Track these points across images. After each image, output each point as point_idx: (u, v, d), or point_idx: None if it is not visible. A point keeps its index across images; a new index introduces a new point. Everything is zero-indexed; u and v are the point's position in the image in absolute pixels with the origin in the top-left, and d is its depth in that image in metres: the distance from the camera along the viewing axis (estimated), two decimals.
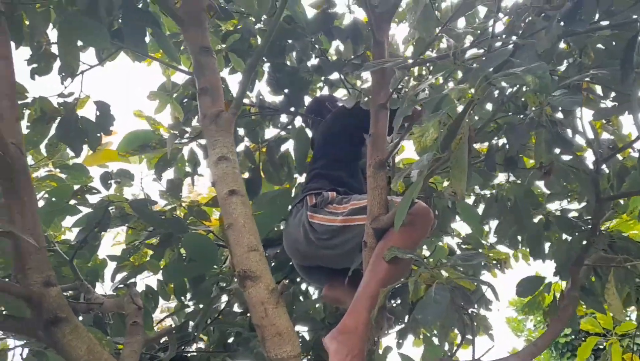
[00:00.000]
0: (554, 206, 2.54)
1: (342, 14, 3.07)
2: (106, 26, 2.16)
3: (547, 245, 2.48)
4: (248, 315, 2.72)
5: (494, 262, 3.31)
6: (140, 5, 2.37)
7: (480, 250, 3.05)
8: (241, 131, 3.04)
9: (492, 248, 3.24)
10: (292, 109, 3.02)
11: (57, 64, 2.24)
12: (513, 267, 3.35)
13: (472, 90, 1.46)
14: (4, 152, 1.50)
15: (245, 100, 2.99)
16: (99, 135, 2.26)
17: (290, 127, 3.15)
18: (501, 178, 2.68)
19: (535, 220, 2.43)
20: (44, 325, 1.58)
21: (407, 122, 2.34)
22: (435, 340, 2.87)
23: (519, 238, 2.51)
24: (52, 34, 2.25)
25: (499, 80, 1.46)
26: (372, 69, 1.83)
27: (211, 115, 1.95)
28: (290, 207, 2.43)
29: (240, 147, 2.98)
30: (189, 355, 2.55)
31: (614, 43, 1.79)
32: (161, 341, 2.47)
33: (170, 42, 2.77)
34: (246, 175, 2.94)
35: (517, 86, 1.78)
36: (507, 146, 2.24)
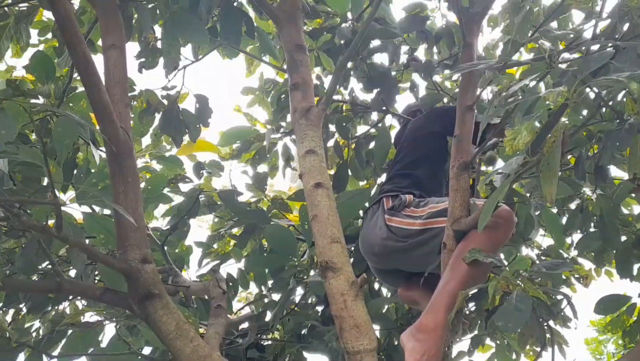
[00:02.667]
0: None
1: (433, 17, 3.08)
2: (205, 24, 2.30)
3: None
4: (320, 308, 2.77)
5: (576, 276, 3.17)
6: (236, 4, 2.49)
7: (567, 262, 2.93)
8: (332, 127, 3.10)
9: (574, 263, 3.11)
10: (383, 108, 3.04)
11: (162, 59, 2.40)
12: (595, 283, 3.20)
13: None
14: (114, 135, 1.63)
15: (338, 97, 3.05)
16: (198, 126, 2.39)
17: (380, 125, 3.17)
18: (587, 190, 2.58)
19: (623, 237, 2.32)
20: (138, 300, 1.69)
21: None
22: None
23: (606, 256, 2.40)
24: (158, 31, 2.42)
25: (598, 84, 1.42)
26: (464, 71, 1.83)
27: (302, 109, 2.02)
28: (366, 209, 2.44)
29: (331, 143, 3.05)
30: (264, 343, 2.63)
31: None
32: (239, 328, 2.56)
33: (267, 37, 2.90)
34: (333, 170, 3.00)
35: (615, 91, 1.72)
36: (597, 156, 2.15)
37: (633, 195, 2.31)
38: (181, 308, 2.03)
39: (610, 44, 1.63)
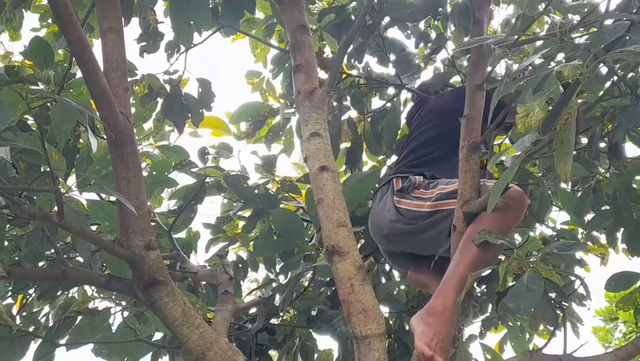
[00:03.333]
0: None
1: None
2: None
3: None
4: (329, 292, 2.76)
5: (593, 254, 3.12)
6: None
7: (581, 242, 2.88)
8: (347, 102, 3.07)
9: (590, 240, 3.06)
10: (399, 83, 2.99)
11: (163, 42, 2.36)
12: (610, 263, 3.15)
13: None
14: (114, 120, 1.60)
15: (354, 71, 3.01)
16: (201, 111, 2.36)
17: (395, 99, 3.12)
18: (600, 169, 2.52)
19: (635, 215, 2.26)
20: (143, 287, 1.68)
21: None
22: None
23: (618, 234, 2.35)
24: (159, 13, 2.38)
25: (612, 57, 1.36)
26: (472, 45, 1.77)
27: (305, 91, 1.98)
28: (376, 190, 2.41)
29: (345, 117, 3.02)
30: (274, 326, 2.63)
31: None
32: (249, 312, 2.56)
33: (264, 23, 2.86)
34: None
35: (630, 66, 1.65)
36: (611, 134, 2.09)
37: None
38: (189, 294, 2.03)
39: (625, 18, 1.57)
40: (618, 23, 1.49)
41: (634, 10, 1.70)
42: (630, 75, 1.79)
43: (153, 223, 2.39)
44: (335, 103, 2.94)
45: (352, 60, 2.90)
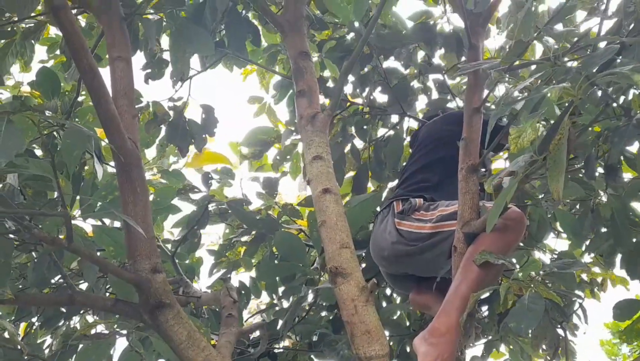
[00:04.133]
0: None
1: (441, 25, 3.08)
2: (211, 35, 2.32)
3: None
4: (331, 316, 2.76)
5: (592, 279, 3.14)
6: (242, 13, 2.51)
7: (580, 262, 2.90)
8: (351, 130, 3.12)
9: (588, 268, 3.08)
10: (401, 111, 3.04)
11: (168, 69, 2.42)
12: (610, 289, 3.16)
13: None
14: (122, 146, 1.64)
15: (358, 100, 3.08)
16: (204, 136, 2.41)
17: (398, 127, 3.18)
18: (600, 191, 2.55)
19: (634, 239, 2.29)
20: (149, 310, 1.70)
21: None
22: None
23: (616, 257, 2.37)
24: (164, 42, 2.44)
25: (603, 80, 1.41)
26: (467, 70, 1.83)
27: (307, 116, 2.03)
28: (377, 213, 2.43)
29: (349, 146, 3.07)
30: (276, 351, 2.62)
31: None
32: (251, 337, 2.56)
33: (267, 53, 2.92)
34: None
35: (622, 88, 1.70)
36: (607, 155, 2.13)
37: None
38: (194, 319, 2.03)
39: (616, 41, 1.62)
40: (609, 46, 1.55)
41: (625, 34, 1.76)
42: (622, 97, 1.85)
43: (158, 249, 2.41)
44: (339, 131, 3.00)
45: (356, 90, 2.96)
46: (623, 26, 1.77)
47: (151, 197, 2.49)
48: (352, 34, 2.92)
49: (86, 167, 2.33)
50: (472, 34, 2.26)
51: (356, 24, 2.78)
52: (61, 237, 1.75)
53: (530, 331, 2.73)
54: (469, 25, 2.26)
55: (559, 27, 2.64)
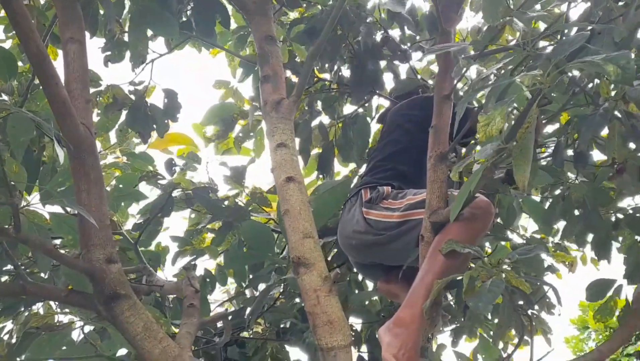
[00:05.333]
0: (625, 202, 2.38)
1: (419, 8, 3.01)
2: (176, 16, 2.24)
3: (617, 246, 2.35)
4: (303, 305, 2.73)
5: (562, 261, 3.15)
6: None
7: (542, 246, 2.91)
8: (319, 106, 3.05)
9: (559, 249, 3.09)
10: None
11: (129, 52, 2.33)
12: (581, 271, 3.18)
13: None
14: (74, 131, 1.57)
15: (326, 75, 3.00)
16: (166, 121, 2.33)
17: (367, 105, 3.11)
18: (570, 176, 2.55)
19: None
20: (104, 301, 1.65)
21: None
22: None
23: (588, 239, 2.38)
24: (125, 23, 2.35)
25: (573, 68, 1.38)
26: (434, 52, 1.79)
27: (272, 102, 1.97)
28: (345, 200, 2.39)
29: (316, 122, 3.00)
30: (244, 340, 2.59)
31: None
32: (218, 326, 2.52)
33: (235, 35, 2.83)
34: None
35: (591, 75, 1.68)
36: (576, 142, 2.13)
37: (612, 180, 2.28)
38: (152, 309, 1.99)
39: (586, 27, 1.59)
40: (578, 34, 1.52)
41: (596, 20, 1.73)
42: (591, 85, 1.83)
43: (119, 237, 2.34)
44: (306, 108, 2.92)
45: (325, 65, 2.88)
46: (593, 13, 1.74)
47: (113, 183, 2.43)
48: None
49: (45, 153, 2.24)
50: (445, 19, 2.21)
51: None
52: None
53: (496, 320, 2.76)
54: (441, 10, 2.21)
55: (538, 7, 2.62)
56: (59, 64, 1.83)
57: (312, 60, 2.02)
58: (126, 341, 1.67)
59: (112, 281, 1.62)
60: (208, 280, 2.56)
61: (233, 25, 2.99)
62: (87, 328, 2.04)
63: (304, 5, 2.91)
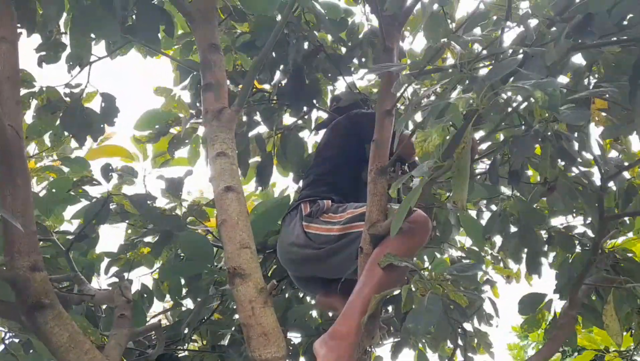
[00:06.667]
0: (558, 220, 2.49)
1: (361, 24, 3.06)
2: (119, 20, 2.19)
3: (550, 261, 2.45)
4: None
5: (500, 275, 3.25)
6: (155, 2, 2.39)
7: (479, 263, 3.00)
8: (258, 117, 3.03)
9: (497, 263, 3.19)
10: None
11: (65, 53, 2.26)
12: (518, 286, 3.29)
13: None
14: (1, 134, 1.50)
15: (266, 86, 2.99)
16: (102, 126, 2.27)
17: (306, 116, 3.11)
18: (506, 192, 2.64)
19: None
20: (27, 310, 1.58)
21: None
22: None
23: (523, 254, 2.47)
24: (62, 24, 2.27)
25: (505, 91, 1.43)
26: (376, 72, 1.82)
27: (214, 110, 1.95)
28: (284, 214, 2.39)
29: (254, 132, 2.99)
30: (180, 354, 2.53)
31: (624, 58, 1.76)
32: (152, 338, 2.45)
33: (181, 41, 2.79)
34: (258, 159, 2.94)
35: (524, 98, 1.75)
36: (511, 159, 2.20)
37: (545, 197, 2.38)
38: (80, 319, 1.92)
39: (520, 51, 1.66)
40: (512, 58, 1.58)
41: (530, 44, 1.80)
42: (525, 103, 1.90)
43: (49, 243, 2.25)
44: (244, 119, 2.91)
45: (263, 76, 2.88)
46: (527, 36, 1.82)
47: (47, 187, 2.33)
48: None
49: None
50: (387, 37, 2.26)
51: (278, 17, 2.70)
52: None
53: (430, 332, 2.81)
54: (384, 28, 2.26)
55: (477, 30, 2.71)
56: None
57: (255, 72, 2.01)
58: (50, 352, 1.59)
59: (36, 290, 1.55)
60: (146, 295, 2.48)
61: (180, 31, 2.96)
62: (10, 339, 1.94)
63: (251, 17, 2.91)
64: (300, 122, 3.06)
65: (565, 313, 1.92)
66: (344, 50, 2.99)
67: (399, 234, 1.78)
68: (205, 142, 2.85)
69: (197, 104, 2.81)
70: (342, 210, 2.17)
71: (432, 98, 2.06)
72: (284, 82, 2.84)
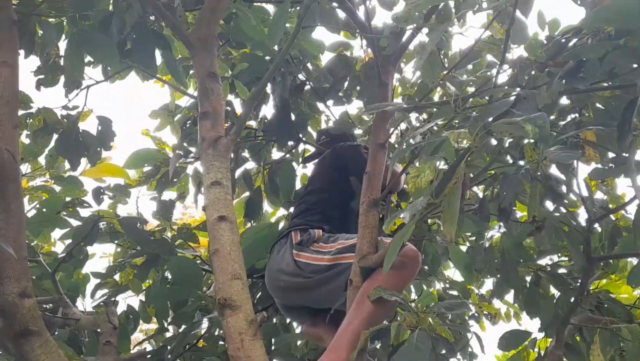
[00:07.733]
0: (545, 260, 2.52)
1: (360, 57, 3.12)
2: (117, 44, 2.20)
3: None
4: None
5: (485, 313, 3.26)
6: (154, 28, 2.41)
7: (466, 300, 3.01)
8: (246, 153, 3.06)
9: (483, 300, 3.20)
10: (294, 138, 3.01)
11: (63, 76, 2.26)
12: (504, 322, 3.30)
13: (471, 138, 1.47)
14: None
15: (253, 123, 3.02)
16: (99, 149, 2.26)
17: (294, 150, 3.15)
18: (496, 227, 2.67)
19: (527, 276, 2.42)
20: (14, 337, 1.55)
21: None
22: None
23: (505, 291, 2.50)
24: (62, 46, 2.28)
25: (497, 128, 1.46)
26: (373, 111, 1.84)
27: (210, 139, 1.96)
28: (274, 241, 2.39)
29: (242, 169, 3.01)
30: None
31: (613, 104, 1.81)
32: None
33: (179, 65, 2.81)
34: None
35: (515, 137, 1.79)
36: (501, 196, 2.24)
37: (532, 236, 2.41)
38: (67, 348, 1.89)
39: (512, 93, 1.70)
40: (504, 99, 1.62)
41: (522, 85, 1.85)
42: (515, 145, 1.94)
43: (35, 264, 2.22)
44: (232, 155, 2.94)
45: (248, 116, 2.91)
46: (519, 78, 1.87)
47: (37, 207, 2.31)
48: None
49: None
50: (383, 72, 2.30)
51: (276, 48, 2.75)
52: None
53: None
54: (380, 63, 2.30)
55: (470, 67, 2.77)
56: None
57: (254, 100, 2.03)
58: None
59: (24, 317, 1.53)
60: (131, 317, 2.45)
61: (179, 55, 2.98)
62: None
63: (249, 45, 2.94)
64: (288, 155, 3.09)
65: (552, 352, 1.93)
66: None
67: (390, 268, 1.79)
68: (195, 179, 2.89)
69: (185, 144, 2.85)
70: (332, 241, 2.18)
71: (426, 131, 2.10)
72: (268, 117, 2.89)
